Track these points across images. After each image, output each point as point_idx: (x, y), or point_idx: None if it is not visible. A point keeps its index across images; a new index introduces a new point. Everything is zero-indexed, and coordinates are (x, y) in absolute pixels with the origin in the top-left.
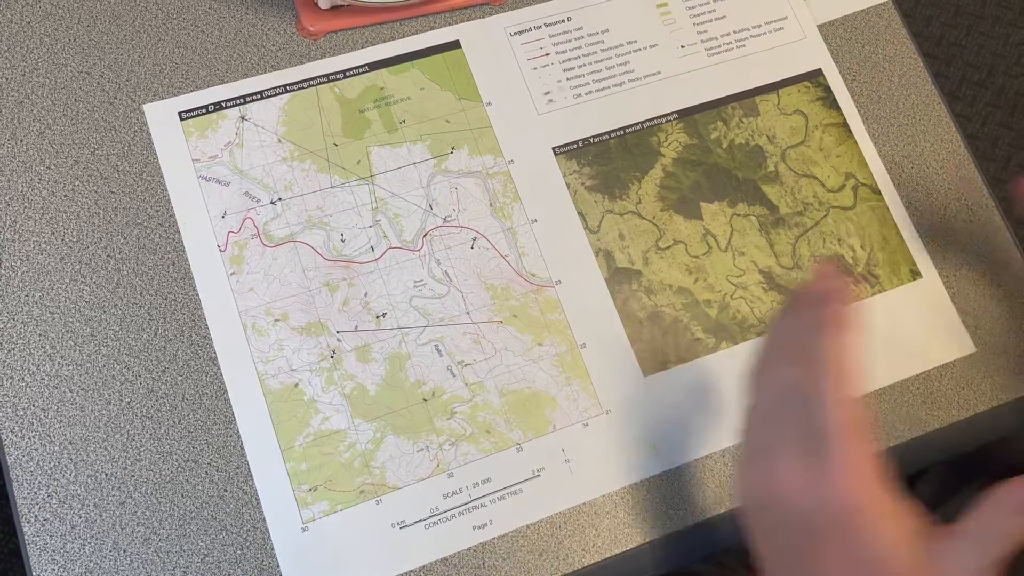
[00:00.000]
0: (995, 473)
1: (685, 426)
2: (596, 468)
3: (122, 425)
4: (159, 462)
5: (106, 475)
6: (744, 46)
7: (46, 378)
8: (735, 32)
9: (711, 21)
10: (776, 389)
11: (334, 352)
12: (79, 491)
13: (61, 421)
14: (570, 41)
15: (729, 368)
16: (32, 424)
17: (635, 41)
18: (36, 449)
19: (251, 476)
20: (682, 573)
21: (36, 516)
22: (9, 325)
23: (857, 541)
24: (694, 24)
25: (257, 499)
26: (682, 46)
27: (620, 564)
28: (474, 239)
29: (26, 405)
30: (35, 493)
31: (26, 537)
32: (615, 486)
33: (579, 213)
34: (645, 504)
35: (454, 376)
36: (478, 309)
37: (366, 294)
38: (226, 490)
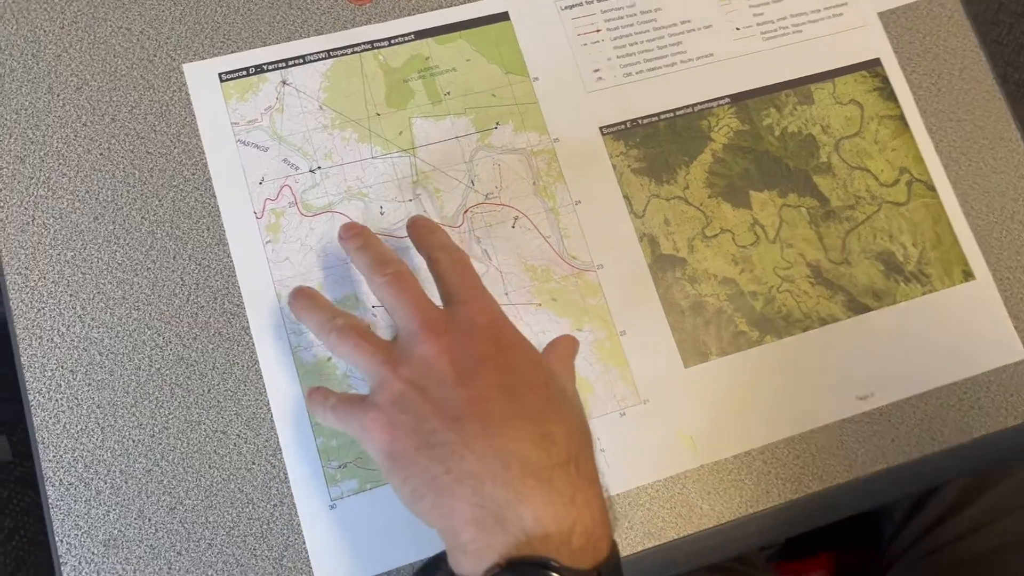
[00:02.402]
0: (1019, 476)
1: (725, 421)
2: (632, 459)
3: (151, 391)
4: (187, 431)
5: (133, 441)
6: (801, 31)
7: (76, 340)
8: (792, 16)
9: (768, 4)
10: None
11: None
12: (105, 456)
13: (89, 384)
14: (622, 18)
15: (773, 364)
16: (60, 386)
17: (689, 21)
18: (63, 412)
19: (280, 450)
20: (709, 570)
21: (61, 480)
22: (40, 284)
23: None
24: (750, 6)
25: (285, 474)
26: (737, 28)
27: (653, 557)
28: (516, 218)
29: (55, 367)
30: (61, 456)
31: (50, 501)
32: (650, 478)
33: (624, 196)
34: (680, 499)
35: None
36: (516, 290)
37: None
38: (254, 463)
